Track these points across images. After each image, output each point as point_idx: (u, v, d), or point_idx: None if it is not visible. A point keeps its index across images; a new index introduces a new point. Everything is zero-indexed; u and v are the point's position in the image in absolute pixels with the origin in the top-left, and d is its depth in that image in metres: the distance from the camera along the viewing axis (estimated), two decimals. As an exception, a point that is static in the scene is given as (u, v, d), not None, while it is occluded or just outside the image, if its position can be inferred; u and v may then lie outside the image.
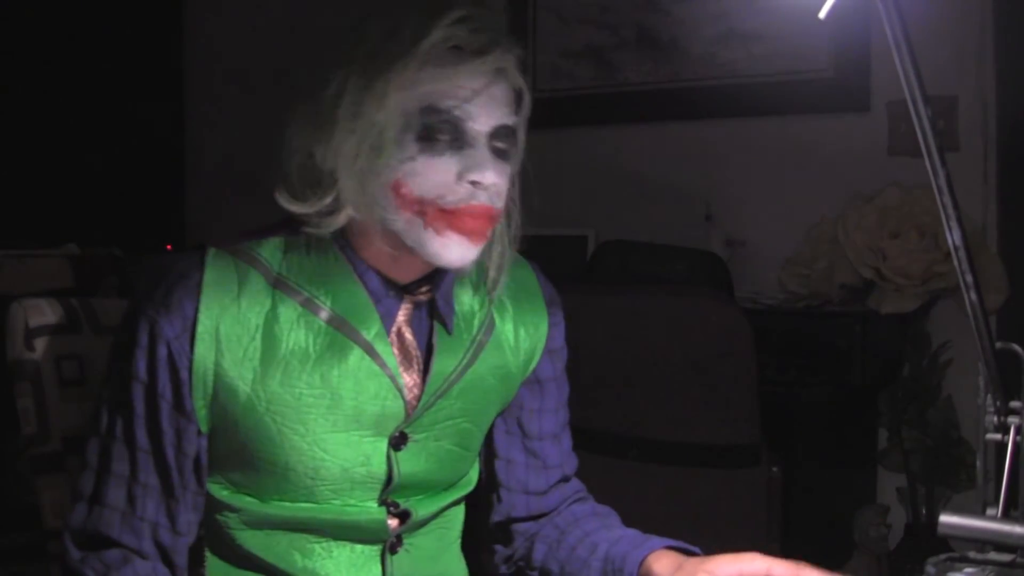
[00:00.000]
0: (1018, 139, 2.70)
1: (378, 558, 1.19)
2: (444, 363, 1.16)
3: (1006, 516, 1.06)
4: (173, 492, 1.11)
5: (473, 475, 1.28)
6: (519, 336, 1.23)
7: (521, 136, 1.14)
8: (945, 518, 1.03)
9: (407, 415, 1.14)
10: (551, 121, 3.36)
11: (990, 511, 1.06)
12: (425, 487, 1.20)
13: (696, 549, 1.19)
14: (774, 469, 2.24)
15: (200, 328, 1.07)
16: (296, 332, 1.10)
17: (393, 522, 1.18)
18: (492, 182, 1.07)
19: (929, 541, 2.51)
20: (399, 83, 1.04)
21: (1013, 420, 1.09)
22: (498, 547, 1.32)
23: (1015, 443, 1.09)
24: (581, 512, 1.30)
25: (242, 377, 1.08)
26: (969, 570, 1.02)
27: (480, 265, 1.17)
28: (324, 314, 1.11)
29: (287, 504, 1.14)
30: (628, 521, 1.29)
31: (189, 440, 1.11)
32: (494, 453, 1.29)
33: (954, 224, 0.98)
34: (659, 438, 2.26)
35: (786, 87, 3.00)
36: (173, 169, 4.08)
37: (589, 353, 2.22)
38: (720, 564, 1.12)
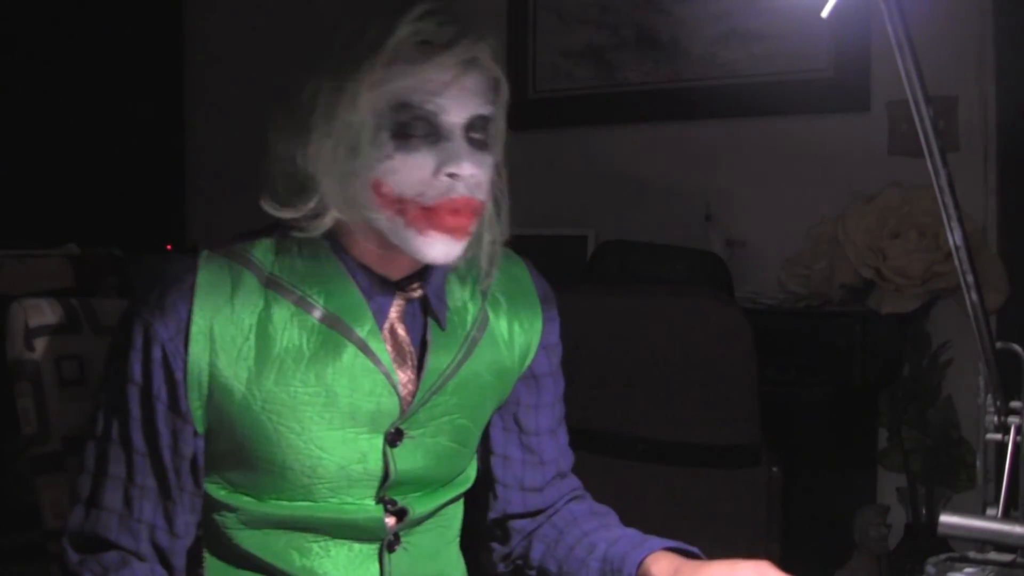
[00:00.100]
0: (1018, 139, 2.70)
1: (376, 557, 1.19)
2: (438, 359, 1.17)
3: (1006, 516, 1.06)
4: (170, 494, 1.12)
5: (471, 472, 1.28)
6: (513, 332, 1.23)
7: (500, 125, 1.14)
8: (945, 518, 1.03)
9: (402, 411, 1.15)
10: (551, 121, 3.37)
11: (990, 511, 1.06)
12: (422, 484, 1.20)
13: (695, 550, 1.19)
14: (774, 469, 2.24)
15: (194, 329, 1.08)
16: (290, 331, 1.10)
17: (390, 520, 1.18)
18: (470, 173, 1.07)
19: (929, 541, 2.51)
20: (369, 82, 1.05)
21: (1013, 420, 1.09)
22: (495, 545, 1.33)
23: (1015, 443, 1.09)
24: (579, 511, 1.30)
25: (237, 377, 1.09)
26: (969, 570, 1.02)
27: (472, 261, 1.18)
28: (317, 313, 1.11)
29: (285, 503, 1.14)
30: (628, 521, 1.29)
31: (185, 441, 1.11)
32: (490, 450, 1.29)
33: (954, 224, 0.98)
34: (659, 438, 2.26)
35: (786, 87, 3.00)
36: (173, 169, 4.08)
37: (589, 353, 2.23)
38: (716, 572, 1.12)
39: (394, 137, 1.06)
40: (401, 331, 1.16)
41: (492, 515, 1.31)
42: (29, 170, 3.56)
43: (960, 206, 0.98)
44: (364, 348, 1.12)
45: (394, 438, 1.15)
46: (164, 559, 1.13)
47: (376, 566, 1.19)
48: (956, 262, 1.00)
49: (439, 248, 1.08)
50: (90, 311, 1.34)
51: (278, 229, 1.13)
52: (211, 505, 1.16)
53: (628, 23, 3.26)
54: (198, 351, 1.08)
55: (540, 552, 1.27)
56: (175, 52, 4.09)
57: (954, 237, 0.99)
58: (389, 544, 1.19)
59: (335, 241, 1.13)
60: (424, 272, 1.16)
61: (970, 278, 1.01)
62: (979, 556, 1.05)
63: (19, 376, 1.29)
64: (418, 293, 1.16)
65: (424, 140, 1.07)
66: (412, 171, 1.07)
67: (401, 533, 1.20)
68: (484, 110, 1.10)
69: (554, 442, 1.31)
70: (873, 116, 2.88)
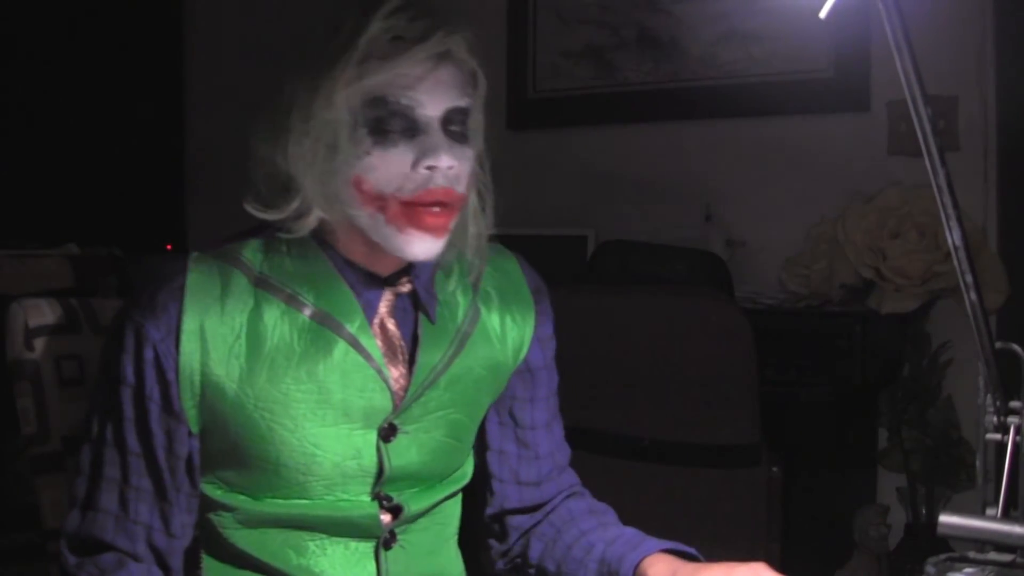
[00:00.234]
0: (1018, 139, 2.70)
1: (372, 555, 1.19)
2: (430, 354, 1.17)
3: (1006, 516, 1.06)
4: (166, 495, 1.12)
5: (468, 468, 1.28)
6: (506, 326, 1.24)
7: (479, 118, 1.14)
8: (945, 518, 1.03)
9: (395, 407, 1.15)
10: (551, 121, 3.37)
11: (990, 511, 1.06)
12: (418, 480, 1.20)
13: (693, 550, 1.19)
14: (774, 469, 2.24)
15: (185, 329, 1.08)
16: (280, 329, 1.11)
17: (386, 517, 1.18)
18: (448, 165, 1.08)
19: (929, 541, 2.51)
20: (344, 80, 1.06)
21: (1013, 420, 1.09)
22: (493, 542, 1.33)
23: (1015, 443, 1.09)
24: (577, 509, 1.30)
25: (229, 376, 1.09)
26: (969, 570, 1.02)
27: (462, 256, 1.18)
28: (307, 310, 1.12)
29: (280, 501, 1.14)
30: (628, 521, 1.28)
31: (180, 441, 1.11)
32: (486, 445, 1.30)
33: (954, 224, 0.98)
34: (659, 438, 2.26)
35: (786, 87, 3.00)
36: (173, 169, 4.08)
37: (589, 353, 2.23)
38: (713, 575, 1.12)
39: (372, 133, 1.07)
40: (391, 326, 1.17)
41: (489, 511, 1.31)
42: (29, 170, 3.56)
43: (959, 206, 0.98)
44: (355, 344, 1.13)
45: (387, 433, 1.15)
46: (161, 560, 1.13)
47: (373, 564, 1.19)
48: (955, 262, 1.00)
49: (419, 246, 1.09)
50: (90, 311, 1.35)
51: (266, 229, 1.14)
52: (207, 505, 1.16)
53: (628, 23, 3.26)
54: (189, 351, 1.08)
55: (538, 551, 1.28)
56: (175, 52, 4.09)
57: (953, 237, 0.99)
58: (385, 542, 1.19)
59: (322, 239, 1.14)
60: (413, 266, 1.16)
61: (969, 278, 1.01)
62: (979, 556, 1.05)
63: (19, 376, 1.29)
64: (407, 288, 1.17)
65: (402, 135, 1.08)
66: (391, 166, 1.07)
67: (397, 531, 1.20)
68: (461, 102, 1.11)
69: (549, 436, 1.31)
70: (873, 116, 2.88)
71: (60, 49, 3.67)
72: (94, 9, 3.76)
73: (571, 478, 1.35)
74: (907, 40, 0.89)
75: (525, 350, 1.26)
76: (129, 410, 1.11)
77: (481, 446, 1.30)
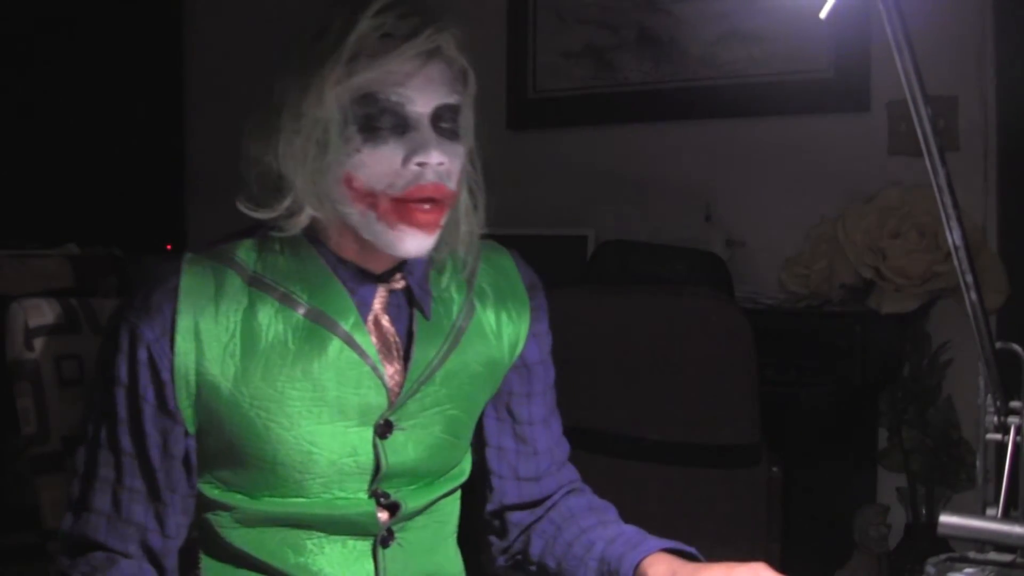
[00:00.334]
0: (1018, 139, 2.70)
1: (370, 553, 1.19)
2: (425, 350, 1.17)
3: (1006, 516, 1.06)
4: (160, 495, 1.12)
5: (466, 466, 1.28)
6: (501, 322, 1.24)
7: (469, 115, 1.14)
8: (945, 518, 1.03)
9: (390, 403, 1.15)
10: (551, 121, 3.37)
11: (990, 511, 1.06)
12: (416, 477, 1.20)
13: (692, 550, 1.19)
14: (774, 469, 2.24)
15: (179, 328, 1.09)
16: (275, 327, 1.11)
17: (383, 515, 1.18)
18: (438, 161, 1.08)
19: (929, 541, 2.51)
20: (333, 78, 1.06)
21: (1013, 420, 1.09)
22: (493, 539, 1.33)
23: (1015, 443, 1.09)
24: (577, 506, 1.30)
25: (224, 375, 1.10)
26: (969, 570, 1.02)
27: (456, 252, 1.19)
28: (301, 308, 1.12)
29: (277, 500, 1.14)
30: (628, 521, 1.28)
31: (175, 441, 1.12)
32: (484, 441, 1.30)
33: (954, 224, 0.98)
34: (659, 438, 2.26)
35: (786, 87, 3.00)
36: (173, 169, 4.08)
37: (589, 353, 2.23)
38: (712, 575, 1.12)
39: (362, 131, 1.08)
40: (385, 322, 1.17)
41: (489, 507, 1.32)
42: (29, 170, 3.56)
43: (959, 206, 0.98)
44: (349, 341, 1.13)
45: (384, 430, 1.16)
46: (155, 560, 1.13)
47: (371, 562, 1.19)
48: (955, 262, 1.00)
49: (410, 242, 1.10)
50: (90, 311, 1.35)
51: (260, 229, 1.14)
52: (205, 505, 1.16)
53: (628, 23, 3.26)
54: (184, 350, 1.09)
55: (539, 548, 1.28)
56: (175, 52, 4.09)
57: (953, 237, 0.99)
58: (383, 540, 1.19)
59: (315, 238, 1.14)
60: (406, 263, 1.17)
61: (969, 278, 1.01)
62: (979, 556, 1.05)
63: (19, 376, 1.29)
64: (401, 284, 1.17)
65: (392, 132, 1.08)
66: (381, 163, 1.08)
67: (395, 528, 1.20)
68: (451, 99, 1.11)
69: (547, 431, 1.32)
70: (873, 116, 2.88)
71: (60, 49, 3.67)
72: (94, 9, 3.75)
73: (571, 474, 1.35)
74: (907, 40, 0.89)
75: (521, 346, 1.26)
76: (123, 411, 1.11)
77: (479, 442, 1.30)
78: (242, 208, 1.11)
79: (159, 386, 1.10)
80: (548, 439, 1.32)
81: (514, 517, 1.31)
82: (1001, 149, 2.76)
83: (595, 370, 2.24)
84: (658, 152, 3.22)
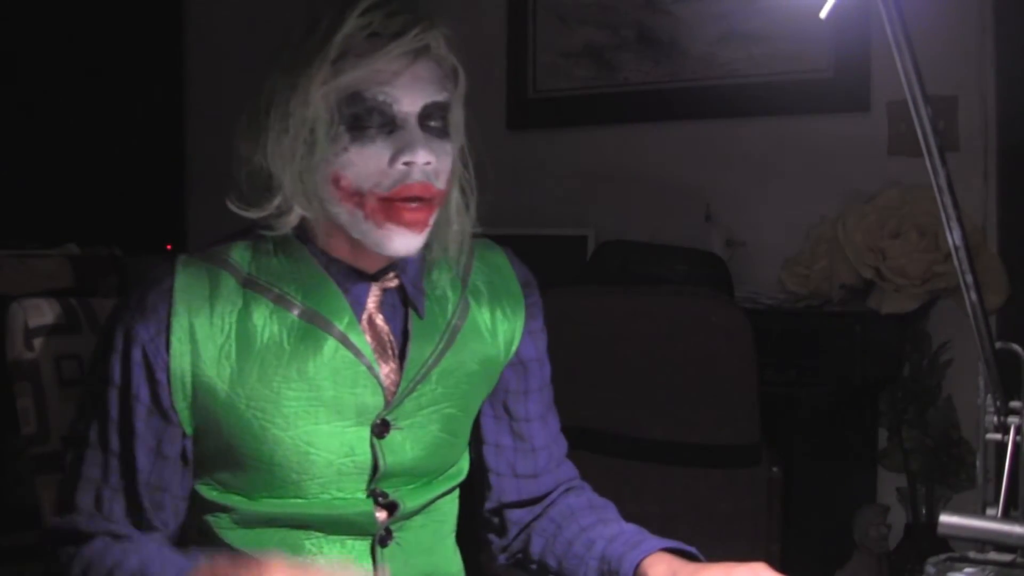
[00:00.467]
0: (1018, 139, 2.70)
1: (369, 553, 1.19)
2: (420, 349, 1.17)
3: (1006, 516, 1.06)
4: (140, 501, 1.12)
5: (464, 465, 1.28)
6: (496, 320, 1.24)
7: (459, 113, 1.14)
8: (945, 518, 1.03)
9: (387, 402, 1.15)
10: (551, 121, 3.37)
11: (990, 511, 1.06)
12: (414, 476, 1.20)
13: (692, 549, 1.19)
14: (774, 469, 2.24)
15: (174, 327, 1.09)
16: (270, 328, 1.11)
17: (381, 514, 1.19)
18: (425, 161, 1.08)
19: (929, 541, 2.51)
20: (321, 78, 1.07)
21: (1013, 420, 1.09)
22: (492, 537, 1.33)
23: (1015, 443, 1.09)
24: (577, 504, 1.29)
25: (220, 376, 1.10)
26: (969, 570, 1.02)
27: (449, 250, 1.18)
28: (296, 309, 1.13)
29: (275, 501, 1.14)
30: (629, 521, 1.28)
31: (169, 441, 1.12)
32: (482, 439, 1.30)
33: (954, 224, 0.98)
34: (659, 438, 2.26)
35: (786, 87, 3.00)
36: (173, 169, 4.08)
37: (589, 353, 2.23)
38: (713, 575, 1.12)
39: (349, 130, 1.08)
40: (380, 322, 1.17)
41: (488, 505, 1.32)
42: (29, 169, 3.56)
43: (960, 206, 0.98)
44: (344, 341, 1.13)
45: (381, 430, 1.16)
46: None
47: (369, 562, 1.19)
48: (955, 262, 1.00)
49: (398, 241, 1.10)
50: (90, 311, 1.35)
51: (253, 231, 1.14)
52: (203, 506, 1.16)
53: (628, 23, 3.26)
54: (179, 351, 1.09)
55: (539, 546, 1.27)
56: (175, 52, 4.09)
57: (953, 237, 0.99)
58: (381, 539, 1.19)
59: (307, 238, 1.15)
60: (399, 262, 1.17)
61: (969, 278, 1.01)
62: (979, 556, 1.05)
63: (19, 376, 1.29)
64: (394, 283, 1.17)
65: (380, 131, 1.08)
66: (369, 162, 1.08)
67: (393, 528, 1.20)
68: (439, 97, 1.11)
69: (544, 428, 1.31)
70: (873, 116, 2.88)
71: (60, 49, 3.67)
72: (94, 9, 3.75)
73: (569, 471, 1.35)
74: (907, 40, 0.89)
75: (516, 343, 1.26)
76: (114, 411, 1.11)
77: (477, 441, 1.30)
78: (232, 207, 1.11)
79: (153, 385, 1.10)
80: (545, 436, 1.32)
81: (513, 515, 1.31)
82: (1001, 149, 2.76)
83: (595, 370, 2.24)
84: (658, 152, 3.22)
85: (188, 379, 1.10)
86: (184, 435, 1.12)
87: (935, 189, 0.96)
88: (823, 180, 2.93)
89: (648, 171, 3.21)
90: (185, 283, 1.11)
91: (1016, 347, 1.13)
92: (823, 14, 0.92)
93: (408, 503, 1.19)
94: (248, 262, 1.14)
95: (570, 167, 3.31)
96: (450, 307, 1.21)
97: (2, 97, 3.48)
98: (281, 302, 1.12)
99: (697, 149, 3.17)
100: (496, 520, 1.32)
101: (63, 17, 3.67)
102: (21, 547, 2.49)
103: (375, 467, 1.16)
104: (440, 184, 1.11)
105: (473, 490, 1.32)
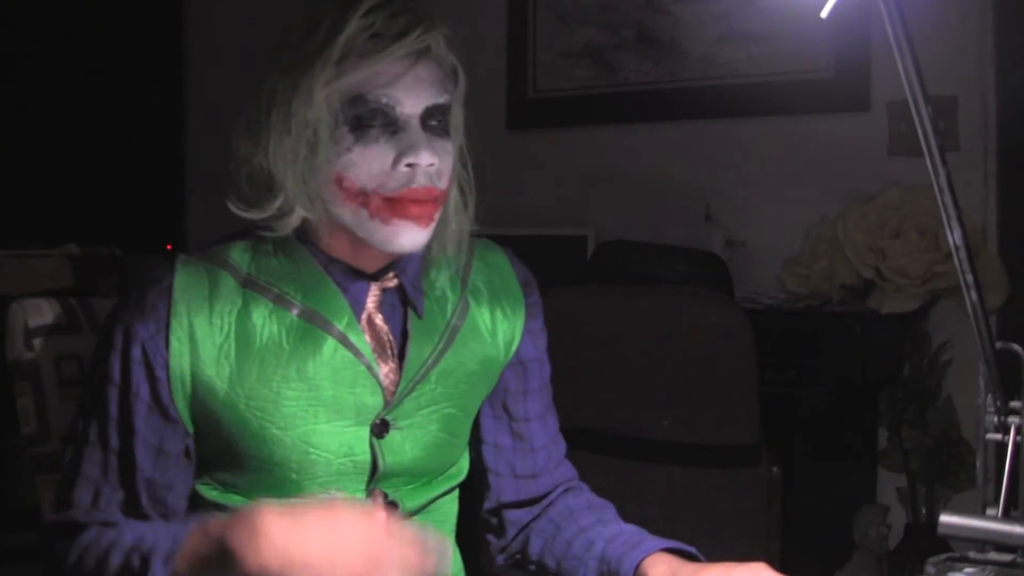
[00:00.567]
0: (1018, 139, 2.70)
1: None
2: (419, 348, 1.17)
3: (1006, 516, 1.06)
4: (139, 498, 1.12)
5: (464, 465, 1.28)
6: (496, 320, 1.24)
7: (459, 113, 1.15)
8: (945, 518, 1.03)
9: (386, 402, 1.15)
10: (551, 121, 3.37)
11: (990, 511, 1.06)
12: (414, 476, 1.20)
13: (692, 549, 1.19)
14: (774, 469, 2.24)
15: (174, 326, 1.09)
16: (269, 328, 1.12)
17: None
18: (428, 162, 1.09)
19: (929, 541, 2.51)
20: (323, 79, 1.07)
21: (1013, 420, 1.09)
22: (491, 537, 1.33)
23: (1015, 443, 1.09)
24: (576, 505, 1.29)
25: (219, 375, 1.10)
26: (969, 570, 1.02)
27: (447, 250, 1.19)
28: (295, 309, 1.13)
29: (275, 500, 1.14)
30: (628, 521, 1.28)
31: (171, 437, 1.12)
32: (481, 439, 1.30)
33: (954, 224, 0.98)
34: (659, 438, 2.26)
35: (786, 87, 3.00)
36: (173, 169, 4.08)
37: (589, 353, 2.23)
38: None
39: (352, 130, 1.08)
40: (379, 321, 1.17)
41: (487, 505, 1.32)
42: (29, 170, 3.56)
43: (960, 206, 0.98)
44: (344, 341, 1.13)
45: (380, 430, 1.16)
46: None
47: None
48: (956, 262, 1.00)
49: (405, 236, 1.10)
50: (89, 311, 1.35)
51: (252, 231, 1.14)
52: (202, 506, 1.16)
53: (628, 23, 3.26)
54: (179, 350, 1.09)
55: (539, 547, 1.27)
56: (175, 52, 4.09)
57: (954, 237, 0.99)
58: (381, 539, 1.19)
59: (307, 238, 1.15)
60: (398, 261, 1.17)
61: (970, 278, 1.01)
62: (979, 556, 1.05)
63: (19, 376, 1.29)
64: (393, 283, 1.17)
65: (382, 131, 1.09)
66: (372, 163, 1.08)
67: (391, 527, 1.20)
68: (440, 99, 1.11)
69: (544, 428, 1.31)
70: (873, 116, 2.88)
71: (60, 49, 3.67)
72: (94, 9, 3.75)
73: (568, 471, 1.34)
74: (907, 40, 0.89)
75: (516, 343, 1.26)
76: (114, 409, 1.11)
77: (476, 440, 1.30)
78: (232, 208, 1.11)
79: (153, 383, 1.10)
80: (545, 436, 1.32)
81: (512, 515, 1.31)
82: (1001, 149, 2.76)
83: (595, 370, 2.24)
84: (658, 152, 3.22)
85: (187, 378, 1.10)
86: (186, 432, 1.13)
87: (935, 189, 0.96)
88: (823, 180, 2.93)
89: (648, 171, 3.21)
90: (184, 282, 1.11)
91: (1016, 347, 1.13)
92: (824, 14, 0.92)
93: (408, 503, 1.19)
94: (247, 262, 1.14)
95: (570, 167, 3.31)
96: (449, 307, 1.21)
97: (2, 97, 3.48)
98: (280, 302, 1.12)
99: (697, 149, 3.17)
100: (495, 520, 1.32)
101: (63, 17, 3.67)
102: (21, 547, 2.49)
103: (374, 467, 1.16)
104: (442, 184, 1.12)
105: (472, 491, 1.32)
